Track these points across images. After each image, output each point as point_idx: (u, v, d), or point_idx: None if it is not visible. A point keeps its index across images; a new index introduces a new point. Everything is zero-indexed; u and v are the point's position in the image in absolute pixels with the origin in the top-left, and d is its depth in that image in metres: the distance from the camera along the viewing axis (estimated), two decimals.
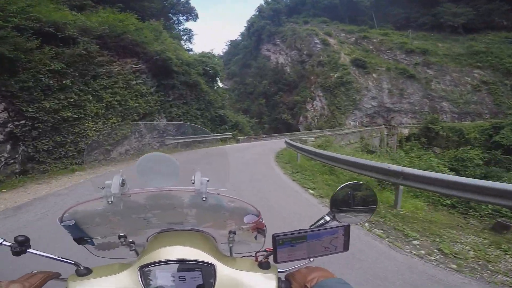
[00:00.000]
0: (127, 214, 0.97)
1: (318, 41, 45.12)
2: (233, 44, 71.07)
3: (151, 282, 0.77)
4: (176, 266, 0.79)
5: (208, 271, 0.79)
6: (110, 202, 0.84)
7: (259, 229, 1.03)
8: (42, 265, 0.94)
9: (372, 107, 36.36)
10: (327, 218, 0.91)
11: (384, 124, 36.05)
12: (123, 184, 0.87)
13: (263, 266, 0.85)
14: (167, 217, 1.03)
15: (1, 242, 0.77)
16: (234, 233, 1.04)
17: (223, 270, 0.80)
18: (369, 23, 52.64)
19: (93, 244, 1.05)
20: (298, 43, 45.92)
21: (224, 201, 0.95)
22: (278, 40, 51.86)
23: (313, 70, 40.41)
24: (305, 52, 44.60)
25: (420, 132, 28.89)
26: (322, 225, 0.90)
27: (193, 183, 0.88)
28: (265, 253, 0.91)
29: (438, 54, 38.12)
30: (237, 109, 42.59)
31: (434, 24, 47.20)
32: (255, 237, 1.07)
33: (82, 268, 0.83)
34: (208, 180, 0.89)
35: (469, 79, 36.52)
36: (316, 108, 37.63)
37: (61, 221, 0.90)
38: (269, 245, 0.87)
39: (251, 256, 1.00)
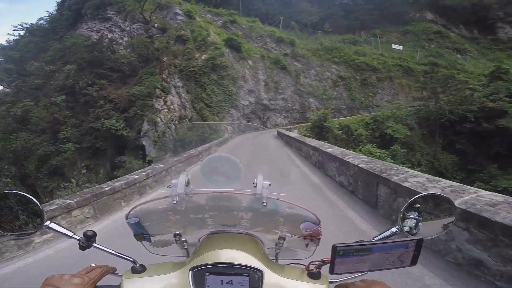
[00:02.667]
0: (186, 214, 0.89)
1: (179, 12, 28.07)
2: (32, 30, 36.02)
3: (200, 284, 0.69)
4: (225, 269, 0.70)
5: (255, 277, 0.70)
6: (175, 202, 0.78)
7: (313, 237, 0.88)
8: (102, 259, 0.84)
9: (250, 104, 23.83)
10: (394, 230, 0.77)
11: (261, 128, 25.41)
12: (188, 184, 0.81)
13: (313, 276, 0.74)
14: (222, 218, 0.92)
15: (71, 236, 0.73)
16: (284, 239, 0.92)
17: (270, 277, 0.71)
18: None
19: (150, 241, 0.96)
20: (147, 13, 26.95)
21: (282, 206, 0.84)
22: (112, 13, 30.13)
23: (168, 49, 23.32)
24: (156, 25, 26.27)
25: (311, 133, 21.06)
26: (388, 237, 0.76)
27: (255, 187, 0.80)
28: (320, 262, 0.75)
29: (301, 47, 32.62)
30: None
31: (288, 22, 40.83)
32: (306, 245, 0.93)
33: (137, 265, 0.76)
34: (270, 184, 0.80)
35: (329, 73, 30.98)
36: (172, 106, 20.99)
37: (127, 218, 0.85)
38: (319, 254, 0.78)
39: (299, 264, 0.82)
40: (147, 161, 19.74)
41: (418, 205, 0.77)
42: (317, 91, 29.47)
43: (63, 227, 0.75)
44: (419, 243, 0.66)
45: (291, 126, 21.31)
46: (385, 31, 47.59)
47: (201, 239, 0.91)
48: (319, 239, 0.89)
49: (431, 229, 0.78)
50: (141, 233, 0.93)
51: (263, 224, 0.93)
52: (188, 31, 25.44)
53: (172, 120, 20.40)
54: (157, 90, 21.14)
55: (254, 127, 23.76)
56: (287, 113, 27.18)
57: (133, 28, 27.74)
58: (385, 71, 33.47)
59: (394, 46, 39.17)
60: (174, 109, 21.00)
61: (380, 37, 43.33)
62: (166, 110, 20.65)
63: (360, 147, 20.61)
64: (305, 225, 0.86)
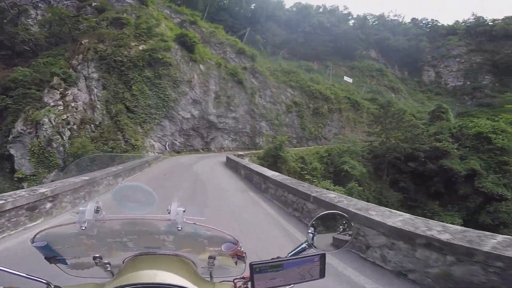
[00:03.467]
0: (102, 238, 0.85)
1: None
2: None
3: None
4: None
5: None
6: (83, 228, 0.76)
7: (238, 256, 0.91)
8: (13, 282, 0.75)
9: (192, 117, 18.41)
10: (304, 246, 0.83)
11: (202, 149, 18.84)
12: (97, 210, 0.79)
13: None
14: (144, 242, 0.89)
15: None
16: (214, 258, 0.92)
17: None
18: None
19: (65, 263, 0.92)
20: None
21: (201, 229, 0.84)
22: None
23: (95, 30, 16.72)
24: (94, 4, 19.28)
25: (262, 162, 16.59)
26: (299, 252, 0.82)
27: (169, 213, 0.80)
28: (243, 280, 0.81)
29: (260, 65, 29.52)
30: None
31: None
32: (236, 263, 0.94)
33: (52, 287, 0.72)
34: (184, 211, 0.80)
35: (284, 97, 28.23)
36: (74, 104, 14.10)
37: (33, 241, 0.81)
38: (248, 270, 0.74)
39: (230, 281, 0.86)
40: (16, 179, 12.46)
41: (326, 221, 0.82)
42: (270, 114, 26.08)
43: None
44: (323, 258, 0.72)
45: (242, 152, 16.90)
46: (336, 63, 48.75)
47: (125, 260, 0.87)
48: (243, 257, 0.89)
49: (334, 243, 0.83)
50: (53, 256, 0.87)
51: (189, 246, 0.90)
52: (132, 16, 18.92)
53: (69, 124, 13.49)
54: (54, 78, 14.00)
55: (193, 147, 18.52)
56: (236, 136, 22.65)
57: (63, 5, 19.36)
58: (336, 102, 32.57)
59: (345, 78, 39.67)
60: (76, 108, 14.06)
61: (331, 69, 44.03)
62: (61, 108, 13.64)
63: (316, 182, 17.78)
64: (226, 246, 0.85)
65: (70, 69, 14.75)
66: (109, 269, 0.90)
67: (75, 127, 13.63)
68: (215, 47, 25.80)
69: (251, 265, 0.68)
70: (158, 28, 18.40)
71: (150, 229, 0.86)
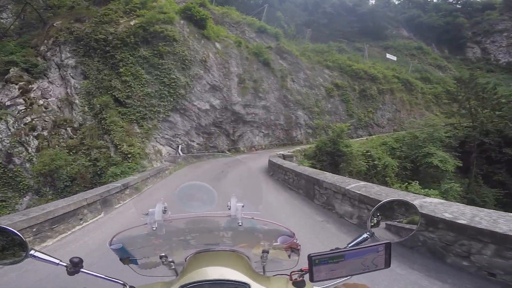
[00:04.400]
0: (168, 237, 0.88)
1: None
2: None
3: None
4: (214, 285, 0.69)
5: None
6: (154, 228, 0.79)
7: (293, 248, 0.90)
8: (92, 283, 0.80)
9: (212, 108, 12.95)
10: (365, 236, 0.77)
11: (228, 150, 13.17)
12: (165, 211, 0.81)
13: (298, 284, 0.73)
14: (205, 239, 0.92)
15: (58, 263, 0.71)
16: (268, 252, 0.90)
17: None
18: None
19: (136, 263, 0.94)
20: None
21: (258, 223, 0.85)
22: None
23: (72, 10, 12.03)
24: None
25: (314, 162, 11.30)
26: (360, 243, 0.76)
27: (229, 209, 0.81)
28: (300, 272, 0.75)
29: (286, 45, 23.30)
30: None
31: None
32: (289, 256, 0.93)
33: (128, 287, 0.75)
34: (243, 206, 0.82)
35: (321, 79, 22.09)
36: (42, 101, 9.48)
37: (110, 244, 0.84)
38: (303, 262, 0.74)
39: (285, 274, 0.82)
40: None
41: (389, 209, 0.75)
42: (307, 100, 20.03)
43: (48, 254, 0.71)
44: (388, 247, 0.66)
45: (283, 151, 11.06)
46: (366, 44, 41.92)
47: (187, 258, 0.88)
48: (299, 249, 0.88)
49: (398, 233, 0.77)
50: (127, 257, 0.89)
51: (245, 241, 0.90)
52: None
53: (35, 129, 8.82)
54: (12, 69, 9.50)
55: (217, 148, 13.04)
56: (268, 130, 16.92)
57: None
58: (385, 82, 25.71)
59: (388, 55, 32.23)
60: (45, 107, 9.38)
61: (367, 48, 36.66)
62: (22, 108, 9.02)
63: (399, 185, 11.56)
64: (282, 239, 0.85)
65: (39, 58, 10.10)
66: (173, 267, 0.91)
67: (45, 133, 8.82)
68: (230, 28, 20.46)
69: (309, 257, 0.64)
70: (156, 2, 13.31)
71: (212, 226, 0.87)
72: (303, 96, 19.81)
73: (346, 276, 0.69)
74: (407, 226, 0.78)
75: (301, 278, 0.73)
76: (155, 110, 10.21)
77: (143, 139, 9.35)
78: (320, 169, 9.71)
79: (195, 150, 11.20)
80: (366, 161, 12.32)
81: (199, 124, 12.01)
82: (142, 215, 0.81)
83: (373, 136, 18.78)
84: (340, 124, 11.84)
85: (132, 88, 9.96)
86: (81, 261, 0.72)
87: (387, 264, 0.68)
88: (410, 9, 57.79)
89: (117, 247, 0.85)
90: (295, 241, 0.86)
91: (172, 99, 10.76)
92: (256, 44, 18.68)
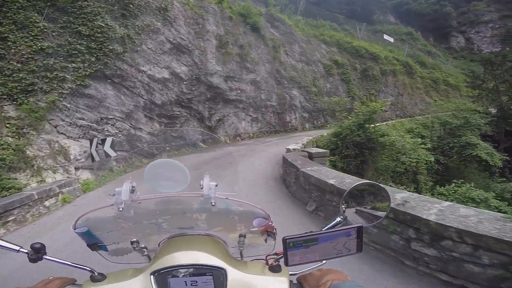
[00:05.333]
0: (138, 220, 0.81)
1: None
2: None
3: (163, 287, 0.63)
4: (188, 270, 0.64)
5: (219, 275, 0.65)
6: (120, 209, 0.71)
7: (269, 232, 0.84)
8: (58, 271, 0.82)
9: (174, 78, 7.91)
10: (338, 220, 0.76)
11: (203, 141, 7.04)
12: (132, 190, 0.72)
13: (274, 269, 0.71)
14: (178, 222, 0.84)
15: (19, 250, 0.66)
16: (244, 236, 0.86)
17: (234, 274, 0.66)
18: None
19: (106, 250, 0.87)
20: None
21: (233, 205, 0.78)
22: None
23: None
24: None
25: (337, 160, 7.00)
26: (334, 226, 0.75)
27: (202, 188, 0.74)
28: (275, 256, 0.74)
29: (277, 13, 18.84)
30: None
31: None
32: (265, 240, 0.87)
33: (96, 274, 0.69)
34: (216, 185, 0.74)
35: (319, 55, 17.86)
36: None
37: (74, 228, 0.76)
38: (279, 247, 0.70)
39: (261, 259, 0.79)
40: None
41: (361, 192, 0.73)
42: (303, 78, 15.71)
43: (6, 241, 0.65)
44: (360, 231, 0.64)
45: (295, 145, 6.70)
46: (355, 27, 38.34)
47: (160, 243, 0.82)
48: (274, 233, 0.83)
49: (370, 217, 0.75)
50: (95, 243, 0.83)
51: (221, 224, 0.85)
52: None
53: None
54: None
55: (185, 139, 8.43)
56: (257, 113, 12.51)
57: None
58: (388, 63, 22.00)
59: (386, 36, 28.49)
60: None
61: (362, 28, 32.63)
62: None
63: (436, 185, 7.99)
64: (257, 221, 0.80)
65: None
66: (146, 253, 0.86)
67: None
68: None
69: (284, 240, 0.62)
70: None
71: (184, 207, 0.80)
72: (298, 72, 15.44)
73: (320, 261, 0.68)
74: (379, 210, 0.75)
75: (276, 262, 0.71)
76: (55, 76, 5.27)
77: (23, 130, 4.51)
78: (344, 171, 5.68)
79: (143, 144, 6.47)
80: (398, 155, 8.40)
81: (150, 102, 7.24)
82: (109, 195, 0.72)
83: (392, 120, 15.02)
84: (377, 102, 7.68)
85: (9, 43, 4.92)
86: (43, 246, 0.67)
87: (359, 249, 0.66)
88: None
89: (82, 231, 0.76)
90: (270, 223, 0.80)
91: (94, 59, 5.86)
92: (243, 4, 13.65)
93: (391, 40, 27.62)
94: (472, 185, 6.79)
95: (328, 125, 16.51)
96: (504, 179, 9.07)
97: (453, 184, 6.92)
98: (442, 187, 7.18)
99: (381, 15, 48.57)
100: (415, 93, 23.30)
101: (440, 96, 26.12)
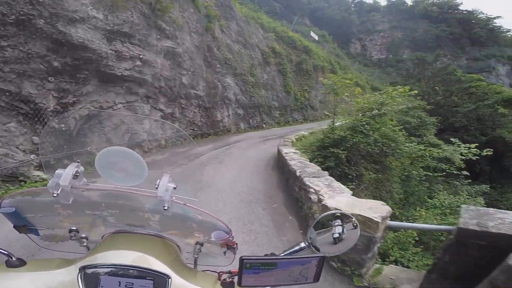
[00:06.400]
0: (79, 209, 0.72)
1: None
2: None
3: (92, 284, 0.55)
4: (125, 271, 0.56)
5: (161, 281, 0.57)
6: (55, 195, 0.60)
7: (229, 246, 0.77)
8: None
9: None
10: (302, 245, 0.70)
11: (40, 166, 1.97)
12: (76, 176, 0.62)
13: (226, 286, 0.64)
14: (127, 218, 0.75)
15: None
16: (202, 245, 0.78)
17: (178, 284, 0.58)
18: None
19: (38, 234, 0.77)
20: None
21: (191, 212, 0.69)
22: None
23: None
24: None
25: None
26: (296, 251, 0.70)
27: (157, 188, 0.64)
28: (228, 273, 0.67)
29: None
30: None
31: None
32: (224, 253, 0.80)
33: (14, 259, 0.60)
34: (175, 187, 0.65)
35: (256, 40, 14.78)
36: None
37: None
38: (237, 263, 0.62)
39: (215, 272, 0.70)
40: None
41: (329, 222, 0.70)
42: (240, 63, 12.58)
43: None
44: (321, 261, 0.60)
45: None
46: (296, 16, 37.90)
47: (104, 237, 0.74)
48: (235, 248, 0.77)
49: (336, 246, 0.70)
50: (24, 225, 0.73)
51: (176, 228, 0.77)
52: None
53: None
54: None
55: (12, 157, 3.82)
56: (173, 105, 8.35)
57: None
58: (318, 58, 21.61)
59: (312, 34, 28.35)
60: None
61: (294, 22, 31.79)
62: None
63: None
64: (216, 234, 0.73)
65: None
66: (85, 244, 0.75)
67: None
68: None
69: (241, 260, 0.56)
70: None
71: (134, 205, 0.71)
72: (234, 55, 12.15)
73: (274, 286, 0.61)
74: (346, 239, 0.71)
75: (230, 279, 0.65)
76: None
77: None
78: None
79: None
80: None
81: None
82: (50, 176, 0.61)
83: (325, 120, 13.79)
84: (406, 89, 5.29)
85: None
86: None
87: (316, 278, 0.61)
88: (318, 1, 56.61)
89: (8, 211, 0.67)
90: (230, 238, 0.73)
91: None
92: None
93: (316, 37, 27.76)
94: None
95: (264, 125, 14.16)
96: (470, 180, 8.07)
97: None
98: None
99: (300, 18, 50.44)
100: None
101: (355, 97, 28.70)
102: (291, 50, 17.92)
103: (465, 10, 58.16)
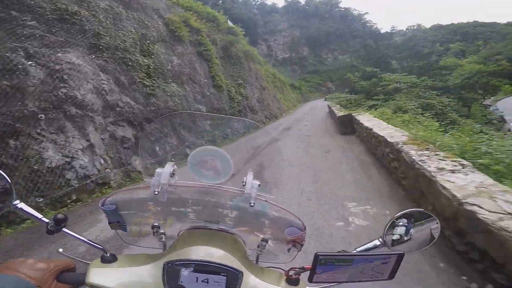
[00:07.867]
0: (167, 206, 0.73)
1: None
2: None
3: (174, 279, 0.56)
4: (202, 267, 0.57)
5: (233, 277, 0.57)
6: (156, 192, 0.62)
7: (296, 243, 0.74)
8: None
9: None
10: (377, 243, 0.66)
11: None
12: (173, 174, 0.65)
13: (292, 282, 0.62)
14: (205, 214, 0.75)
15: (41, 218, 0.59)
16: (267, 241, 0.75)
17: (249, 279, 0.59)
18: None
19: (125, 230, 0.78)
20: None
21: (269, 208, 0.70)
22: None
23: None
24: None
25: None
26: (370, 249, 0.66)
27: (244, 185, 0.65)
28: (299, 269, 0.63)
29: None
30: None
31: None
32: (288, 250, 0.77)
33: (108, 254, 0.62)
34: (259, 185, 0.66)
35: (152, 2, 7.29)
36: None
37: (103, 204, 0.69)
38: (299, 260, 0.66)
39: (279, 268, 0.70)
40: None
41: (405, 219, 0.68)
42: (113, 30, 5.15)
43: (32, 208, 0.59)
44: (400, 258, 0.57)
45: None
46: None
47: (180, 233, 0.74)
48: (302, 245, 0.75)
49: (413, 244, 0.69)
50: (116, 222, 0.74)
51: (248, 225, 0.77)
52: None
53: None
54: None
55: None
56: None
57: None
58: (245, 44, 16.07)
59: (229, 22, 22.32)
60: None
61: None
62: None
63: None
64: (290, 230, 0.72)
65: None
66: (163, 239, 0.76)
67: None
68: None
69: (316, 255, 0.55)
70: None
71: (219, 201, 0.72)
72: (90, 9, 4.33)
73: (345, 282, 0.60)
74: (424, 237, 0.68)
75: (297, 275, 0.62)
76: None
77: None
78: None
79: None
80: None
81: None
82: (147, 175, 0.65)
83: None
84: None
85: None
86: (65, 218, 0.60)
87: (392, 276, 0.59)
88: (225, 2, 55.03)
89: (109, 209, 0.69)
90: (303, 235, 0.71)
91: None
92: None
93: (232, 25, 22.03)
94: None
95: (183, 157, 7.30)
96: None
97: None
98: None
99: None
100: (269, 87, 19.71)
101: (281, 93, 25.36)
102: (214, 28, 11.35)
103: (343, 8, 66.82)
